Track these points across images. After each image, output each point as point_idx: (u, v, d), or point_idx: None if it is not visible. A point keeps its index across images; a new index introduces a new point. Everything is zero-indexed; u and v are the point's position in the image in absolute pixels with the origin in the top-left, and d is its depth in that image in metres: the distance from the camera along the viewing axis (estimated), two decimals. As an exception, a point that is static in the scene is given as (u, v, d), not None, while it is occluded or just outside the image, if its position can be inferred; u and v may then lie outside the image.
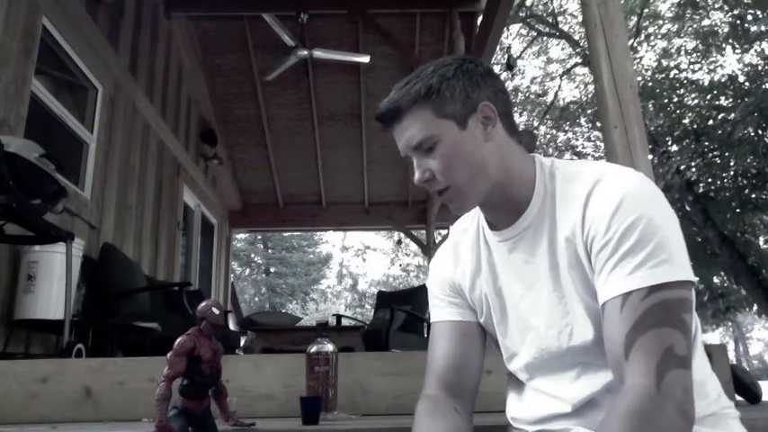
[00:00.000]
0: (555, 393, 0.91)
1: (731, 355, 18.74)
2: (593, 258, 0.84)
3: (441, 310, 1.04)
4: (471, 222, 1.04)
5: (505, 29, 9.25)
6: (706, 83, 11.05)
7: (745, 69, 10.78)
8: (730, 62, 12.34)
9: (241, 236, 17.38)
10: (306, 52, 5.41)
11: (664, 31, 12.62)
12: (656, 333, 0.75)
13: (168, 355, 1.13)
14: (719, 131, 10.14)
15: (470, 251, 1.01)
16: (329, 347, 1.51)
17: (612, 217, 0.81)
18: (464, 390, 0.97)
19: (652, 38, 12.78)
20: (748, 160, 10.06)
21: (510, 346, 0.98)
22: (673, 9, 12.21)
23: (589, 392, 0.87)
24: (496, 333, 1.00)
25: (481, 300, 1.00)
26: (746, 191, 10.59)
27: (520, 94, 14.26)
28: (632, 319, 0.76)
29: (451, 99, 0.89)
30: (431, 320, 1.06)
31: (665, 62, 12.12)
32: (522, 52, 14.04)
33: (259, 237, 21.57)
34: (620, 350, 0.76)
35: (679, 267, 0.78)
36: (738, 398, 1.80)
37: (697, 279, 0.81)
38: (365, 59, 5.80)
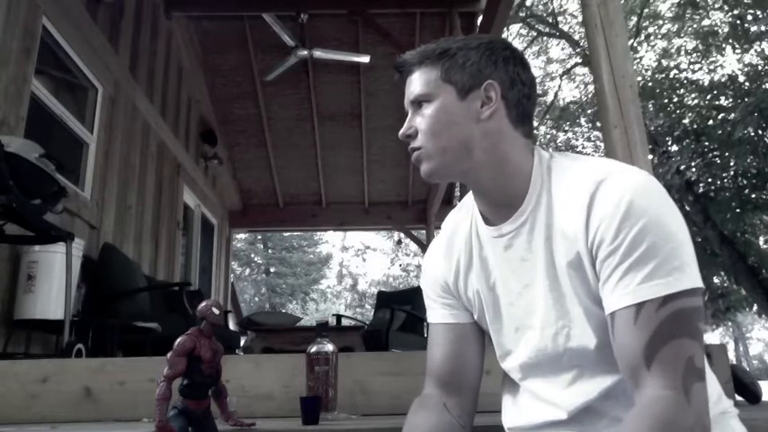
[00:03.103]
0: (550, 399, 0.90)
1: (731, 355, 18.74)
2: (599, 265, 0.80)
3: (435, 312, 1.03)
4: (465, 216, 1.01)
5: (505, 29, 9.24)
6: (706, 83, 11.06)
7: (745, 69, 10.78)
8: (730, 62, 12.38)
9: (241, 236, 17.36)
10: (306, 52, 5.41)
11: (664, 31, 12.63)
12: (676, 344, 0.74)
13: (168, 355, 1.13)
14: (719, 131, 10.15)
15: (463, 245, 0.99)
16: (329, 347, 1.51)
17: (621, 222, 0.77)
18: (460, 389, 0.97)
19: (652, 38, 12.79)
20: (748, 160, 10.06)
21: (504, 344, 0.96)
22: (673, 9, 12.22)
23: (585, 399, 0.85)
24: (490, 330, 0.98)
25: (474, 296, 0.98)
26: (746, 191, 10.59)
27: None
28: (650, 330, 0.74)
29: (461, 67, 0.89)
30: (428, 321, 1.05)
31: (665, 62, 12.13)
32: (522, 52, 14.05)
33: (259, 237, 21.56)
34: (640, 361, 0.75)
35: (691, 275, 0.76)
36: (738, 398, 1.80)
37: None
38: (365, 59, 5.79)
